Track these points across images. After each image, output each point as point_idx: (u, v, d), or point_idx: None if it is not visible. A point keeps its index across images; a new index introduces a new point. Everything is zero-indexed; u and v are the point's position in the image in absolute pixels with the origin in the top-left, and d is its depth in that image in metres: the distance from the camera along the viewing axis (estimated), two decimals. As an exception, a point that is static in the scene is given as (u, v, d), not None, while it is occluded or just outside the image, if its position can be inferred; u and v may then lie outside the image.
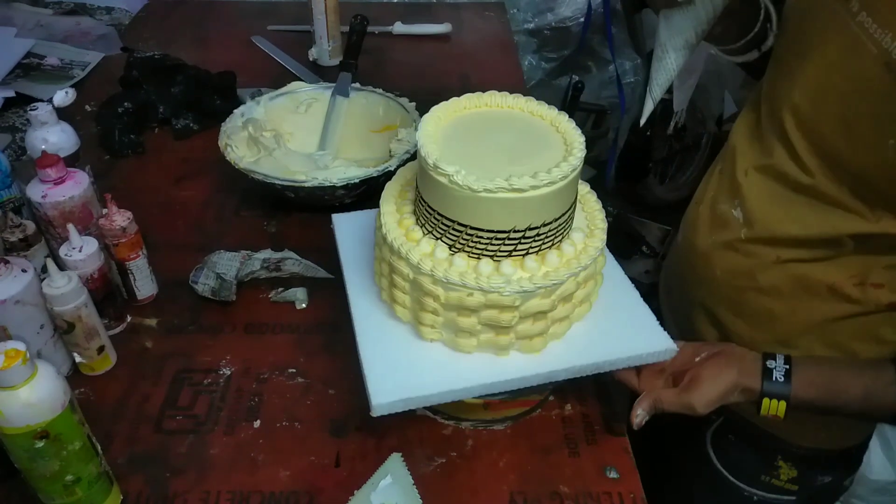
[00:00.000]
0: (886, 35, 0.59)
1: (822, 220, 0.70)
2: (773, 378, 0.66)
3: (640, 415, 0.68)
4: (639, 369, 0.73)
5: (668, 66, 0.69)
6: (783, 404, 0.66)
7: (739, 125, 0.81)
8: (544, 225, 0.66)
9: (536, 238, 0.67)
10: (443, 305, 0.68)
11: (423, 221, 0.70)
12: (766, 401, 0.66)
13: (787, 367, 0.66)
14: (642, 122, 0.76)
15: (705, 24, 0.67)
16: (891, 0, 0.59)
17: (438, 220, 0.67)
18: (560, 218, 0.68)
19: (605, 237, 0.72)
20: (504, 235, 0.66)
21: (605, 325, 0.74)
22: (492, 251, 0.67)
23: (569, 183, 0.65)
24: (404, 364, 0.70)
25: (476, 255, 0.67)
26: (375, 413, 0.66)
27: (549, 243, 0.68)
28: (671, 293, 0.95)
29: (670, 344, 0.72)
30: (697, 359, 0.70)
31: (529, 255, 0.68)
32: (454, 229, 0.67)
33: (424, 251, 0.68)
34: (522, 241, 0.66)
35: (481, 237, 0.66)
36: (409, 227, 0.71)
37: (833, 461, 0.84)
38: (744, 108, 0.82)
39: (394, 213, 0.73)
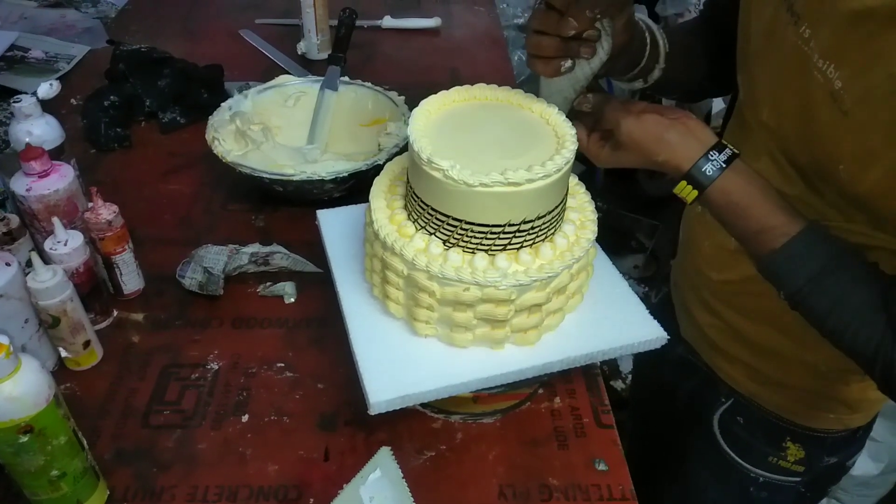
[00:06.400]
0: (829, 65, 0.58)
1: None
2: (703, 169, 0.63)
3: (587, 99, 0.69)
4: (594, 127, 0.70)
5: None
6: (695, 193, 0.64)
7: (730, 129, 0.80)
8: (538, 218, 0.66)
9: (531, 231, 0.67)
10: (438, 301, 0.68)
11: (416, 217, 0.69)
12: (683, 182, 0.64)
13: (724, 166, 0.62)
14: None
15: (583, 82, 0.69)
16: (834, 31, 0.58)
17: (432, 216, 0.67)
18: (553, 211, 0.68)
19: (595, 228, 0.72)
20: (499, 229, 0.65)
21: (596, 315, 0.75)
22: (486, 245, 0.66)
23: (562, 175, 0.65)
24: (400, 361, 0.70)
25: (471, 250, 0.67)
26: (373, 411, 0.65)
27: (543, 236, 0.68)
28: (678, 287, 0.95)
29: (661, 332, 0.72)
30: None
31: (524, 249, 0.67)
32: (449, 224, 0.66)
33: (418, 247, 0.68)
34: (517, 234, 0.66)
35: (476, 231, 0.66)
36: (402, 222, 0.70)
37: (840, 442, 0.85)
38: (732, 115, 0.81)
39: (384, 208, 0.72)
